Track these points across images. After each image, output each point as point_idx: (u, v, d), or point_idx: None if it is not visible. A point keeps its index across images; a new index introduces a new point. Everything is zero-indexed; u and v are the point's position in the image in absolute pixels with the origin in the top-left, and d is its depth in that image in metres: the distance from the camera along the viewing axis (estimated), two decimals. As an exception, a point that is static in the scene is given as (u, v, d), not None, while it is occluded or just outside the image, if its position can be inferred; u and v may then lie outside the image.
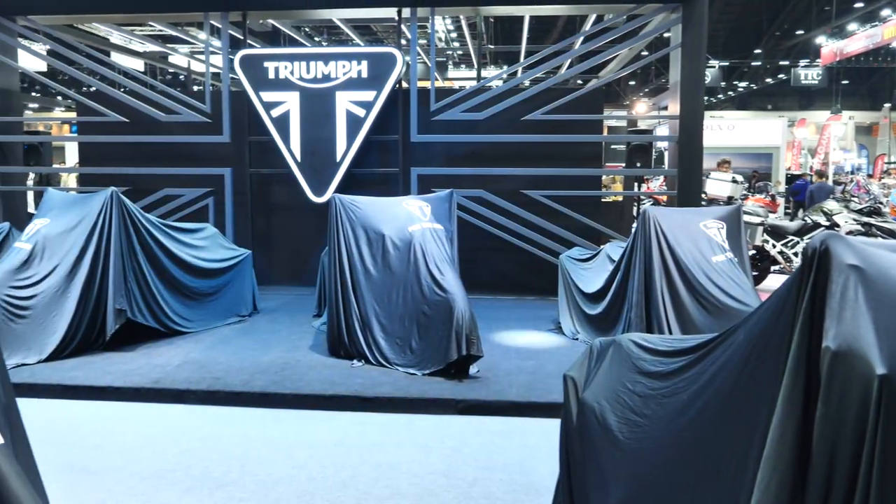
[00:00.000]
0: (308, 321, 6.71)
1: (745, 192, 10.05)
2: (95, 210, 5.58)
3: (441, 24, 16.36)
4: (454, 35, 24.05)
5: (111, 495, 3.40)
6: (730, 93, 38.84)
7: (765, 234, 8.82)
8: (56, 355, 5.31)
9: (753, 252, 8.25)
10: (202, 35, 10.50)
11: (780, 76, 32.57)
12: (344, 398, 4.65)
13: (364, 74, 7.82)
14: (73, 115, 14.21)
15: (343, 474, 3.64)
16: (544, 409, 4.45)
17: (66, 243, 5.53)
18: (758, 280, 8.02)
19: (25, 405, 2.27)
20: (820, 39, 25.09)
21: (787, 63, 31.61)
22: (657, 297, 5.16)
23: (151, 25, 12.34)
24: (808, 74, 24.61)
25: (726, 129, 23.41)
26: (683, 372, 2.28)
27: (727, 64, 32.53)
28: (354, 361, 5.32)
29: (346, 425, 4.36)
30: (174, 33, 12.00)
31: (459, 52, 27.83)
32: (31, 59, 11.06)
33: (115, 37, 13.25)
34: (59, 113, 31.94)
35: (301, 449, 3.97)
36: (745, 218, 6.31)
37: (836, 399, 1.56)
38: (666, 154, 9.70)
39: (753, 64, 34.52)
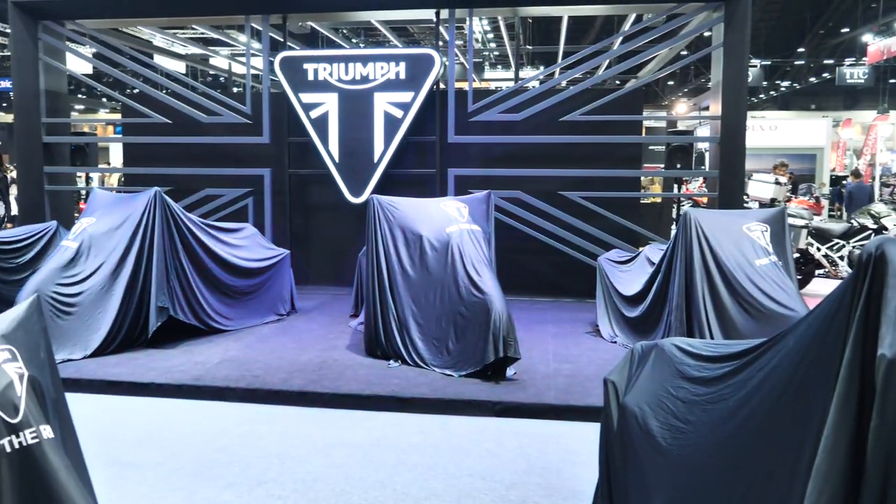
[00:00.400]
0: (345, 321, 6.76)
1: (788, 194, 9.82)
2: (140, 209, 5.69)
3: (478, 25, 16.33)
4: (490, 36, 24.03)
5: (153, 490, 3.46)
6: (772, 92, 38.05)
7: (809, 237, 8.62)
8: (100, 351, 5.44)
9: (797, 255, 8.06)
10: (243, 38, 10.66)
11: (825, 75, 31.80)
12: (381, 398, 4.66)
13: (402, 76, 7.85)
14: (117, 116, 14.55)
15: (380, 474, 3.65)
16: (583, 412, 4.41)
17: (111, 242, 5.65)
18: (801, 284, 7.84)
19: (71, 400, 2.32)
20: (866, 37, 24.40)
21: (831, 62, 30.87)
22: (698, 301, 5.06)
23: (193, 28, 12.57)
24: (854, 73, 23.98)
25: (768, 130, 22.89)
26: (729, 378, 2.23)
27: (769, 63, 31.90)
28: (391, 362, 5.33)
29: (383, 425, 4.37)
30: (216, 36, 12.20)
31: (496, 53, 27.80)
32: (78, 62, 11.35)
33: (158, 39, 13.51)
34: (103, 115, 32.73)
35: (338, 448, 3.99)
36: (789, 220, 6.16)
37: (891, 408, 1.51)
38: (706, 155, 9.56)
39: (796, 63, 33.78)
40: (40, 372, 2.13)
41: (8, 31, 7.53)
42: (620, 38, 8.85)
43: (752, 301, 4.94)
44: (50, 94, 8.34)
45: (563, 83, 9.28)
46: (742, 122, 7.57)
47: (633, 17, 8.87)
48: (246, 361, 5.39)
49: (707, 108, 9.55)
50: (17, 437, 1.90)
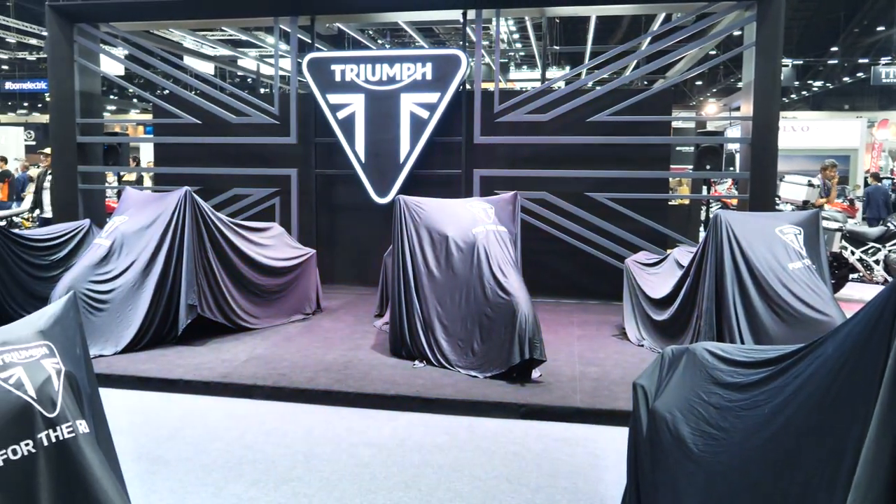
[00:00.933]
0: (370, 321, 6.78)
1: (821, 197, 9.65)
2: (170, 208, 5.77)
3: (504, 26, 16.31)
4: (516, 36, 23.97)
5: (182, 485, 3.49)
6: (804, 92, 37.47)
7: (843, 241, 8.47)
8: (131, 347, 5.52)
9: (830, 259, 7.91)
10: (271, 39, 10.75)
11: (859, 75, 31.25)
12: (406, 398, 4.66)
13: (428, 76, 7.85)
14: (148, 117, 14.74)
15: (405, 475, 3.65)
16: (610, 416, 4.38)
17: (143, 240, 5.73)
18: (835, 288, 7.69)
19: (102, 395, 2.36)
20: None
21: (866, 61, 30.32)
22: (729, 305, 4.99)
23: (223, 30, 12.71)
24: (890, 72, 23.55)
25: (800, 131, 22.53)
26: (764, 384, 2.19)
27: (801, 62, 31.42)
28: (416, 362, 5.33)
29: (408, 425, 4.37)
30: (245, 38, 12.31)
31: (521, 54, 27.72)
32: (111, 64, 11.54)
33: (188, 41, 13.69)
34: (134, 115, 33.25)
35: (364, 447, 4.00)
36: (822, 223, 6.05)
37: (936, 419, 1.47)
38: (737, 156, 9.44)
39: (830, 62, 33.23)
40: (76, 367, 2.17)
41: (43, 34, 7.70)
42: (649, 38, 8.77)
43: (784, 306, 4.85)
44: (84, 94, 8.48)
45: (590, 84, 9.20)
46: (774, 122, 7.46)
47: (662, 16, 8.76)
48: (272, 360, 5.43)
49: (738, 109, 9.41)
50: (55, 430, 1.94)
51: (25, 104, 39.27)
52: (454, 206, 5.63)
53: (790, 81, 26.20)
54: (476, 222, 5.44)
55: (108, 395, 2.37)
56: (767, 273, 4.97)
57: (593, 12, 8.93)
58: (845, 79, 32.93)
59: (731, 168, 12.28)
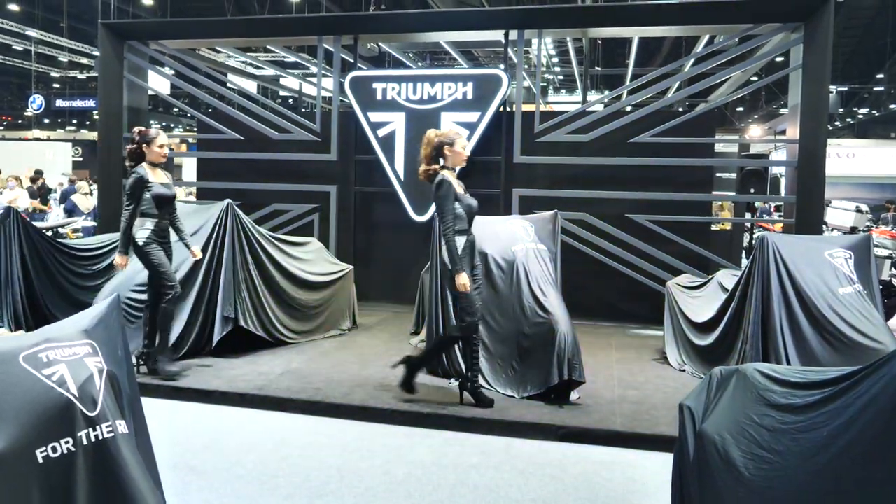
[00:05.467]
0: (406, 338, 6.74)
1: (869, 223, 9.39)
2: (212, 220, 5.83)
3: (543, 49, 16.32)
4: (556, 60, 24.01)
5: (217, 496, 3.47)
6: (848, 120, 36.81)
7: (893, 269, 8.20)
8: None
9: (880, 287, 7.66)
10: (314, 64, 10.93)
11: (907, 102, 30.63)
12: (441, 417, 4.60)
13: (469, 96, 7.87)
14: (191, 134, 15.01)
15: (440, 494, 3.58)
16: (651, 441, 4.25)
17: (184, 251, 5.78)
18: (885, 318, 7.43)
19: (140, 403, 2.35)
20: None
21: (914, 88, 29.70)
22: (776, 330, 4.83)
23: (268, 50, 12.96)
24: (939, 101, 22.98)
25: (845, 158, 22.07)
26: (822, 405, 2.09)
27: (846, 88, 30.89)
28: (451, 381, 5.27)
29: (443, 444, 4.30)
30: (289, 58, 12.53)
31: (560, 78, 27.74)
32: (159, 81, 11.81)
33: (233, 60, 13.98)
34: (178, 132, 34.05)
35: (398, 465, 3.94)
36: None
37: None
38: (782, 181, 9.26)
39: (875, 89, 32.62)
40: (118, 368, 2.17)
41: (94, 53, 7.94)
42: (692, 61, 8.69)
43: (834, 332, 4.68)
44: (132, 110, 8.68)
45: (628, 108, 9.13)
46: (822, 146, 7.28)
47: (705, 38, 8.68)
48: (308, 374, 5.42)
49: (783, 133, 9.23)
50: (94, 430, 1.93)
51: (74, 121, 40.57)
52: (494, 224, 5.58)
53: (835, 108, 25.75)
54: (516, 240, 5.38)
55: (143, 404, 2.36)
56: (816, 297, 4.81)
57: (635, 33, 8.91)
58: (892, 106, 32.24)
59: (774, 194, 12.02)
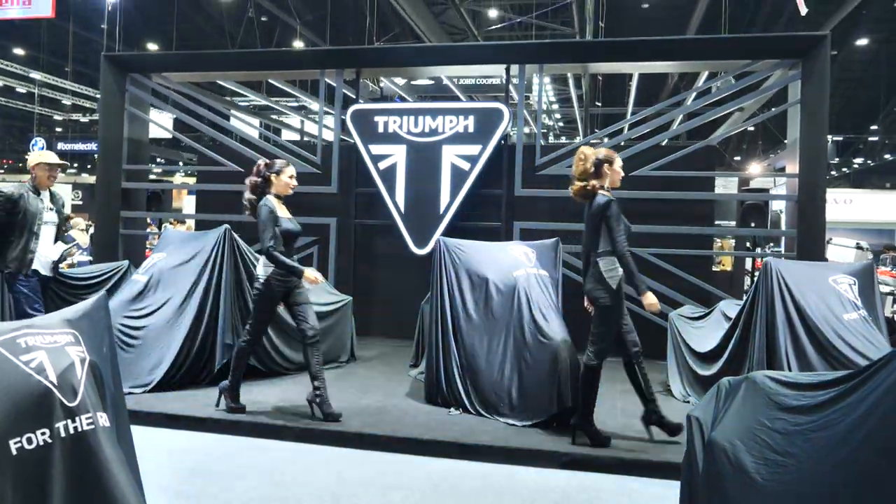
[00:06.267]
0: (405, 370, 6.61)
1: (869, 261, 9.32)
2: (210, 245, 5.76)
3: (544, 96, 16.52)
4: (556, 106, 24.29)
5: (205, 519, 3.33)
6: (844, 169, 37.11)
7: (895, 305, 8.11)
8: (161, 386, 5.41)
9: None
10: (316, 103, 11.01)
11: (901, 152, 30.94)
12: (441, 444, 4.46)
13: (470, 129, 7.89)
14: (192, 180, 15.04)
15: (439, 518, 3.44)
16: (657, 468, 4.12)
17: (180, 277, 5.71)
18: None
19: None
20: (942, 115, 23.66)
21: (907, 139, 30.03)
22: (781, 358, 4.72)
23: (271, 83, 13.01)
24: (933, 151, 23.21)
25: (843, 203, 22.16)
26: (836, 402, 2.00)
27: (841, 139, 31.18)
28: (451, 409, 5.14)
29: (443, 471, 4.16)
30: (291, 94, 12.60)
31: (561, 124, 28.04)
32: (162, 117, 11.91)
33: (237, 99, 14.12)
34: (177, 174, 34.18)
35: (395, 491, 3.80)
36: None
37: None
38: (782, 217, 9.24)
39: (870, 139, 32.97)
40: (102, 364, 2.07)
41: (95, 95, 8.02)
42: (693, 95, 8.76)
43: (840, 357, 4.57)
44: (132, 142, 8.71)
45: (632, 138, 9.17)
46: (822, 180, 7.29)
47: (704, 76, 8.76)
48: (304, 403, 5.27)
49: (782, 169, 9.23)
50: (74, 421, 1.83)
51: (75, 165, 40.77)
52: (495, 249, 5.53)
53: (831, 157, 25.91)
54: (517, 265, 5.31)
55: (133, 432, 2.26)
56: (822, 323, 4.72)
57: (635, 69, 8.99)
58: (886, 156, 32.54)
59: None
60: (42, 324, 1.96)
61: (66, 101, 26.10)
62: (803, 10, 11.54)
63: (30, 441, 1.77)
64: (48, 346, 1.88)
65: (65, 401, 1.84)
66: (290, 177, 4.87)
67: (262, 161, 4.93)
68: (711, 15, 15.89)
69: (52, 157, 5.53)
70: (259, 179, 4.83)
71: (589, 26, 14.64)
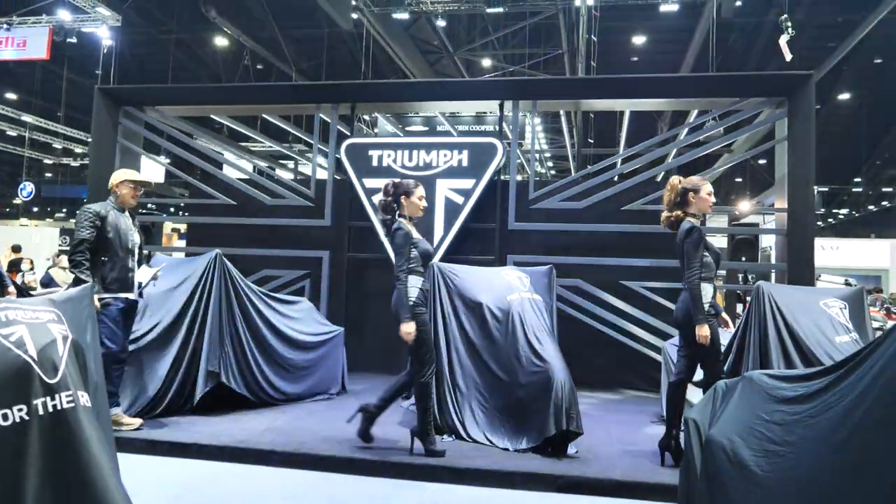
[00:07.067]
0: (397, 401, 6.48)
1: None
2: (199, 271, 5.70)
3: (537, 143, 16.75)
4: (548, 155, 24.58)
5: (187, 536, 3.21)
6: (830, 220, 37.54)
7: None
8: (145, 413, 5.28)
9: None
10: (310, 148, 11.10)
11: (884, 203, 31.33)
12: (434, 468, 4.36)
13: (464, 163, 7.95)
14: (183, 221, 15.03)
15: (430, 537, 3.33)
16: (653, 490, 4.03)
17: (169, 302, 5.63)
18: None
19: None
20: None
21: (890, 190, 30.45)
22: (776, 380, 4.67)
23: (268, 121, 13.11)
24: (913, 201, 23.56)
25: (829, 249, 22.44)
26: (833, 387, 1.97)
27: (826, 189, 31.59)
28: (444, 437, 5.04)
29: (436, 494, 4.06)
30: (283, 125, 12.56)
31: (553, 172, 28.32)
32: (153, 164, 11.91)
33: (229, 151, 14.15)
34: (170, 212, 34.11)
35: (385, 511, 3.69)
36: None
37: None
38: (772, 253, 9.28)
39: (854, 191, 33.46)
40: (85, 349, 2.02)
41: (87, 139, 8.04)
42: (685, 130, 8.89)
43: (837, 380, 4.53)
44: (125, 176, 8.69)
45: (616, 178, 9.27)
46: (811, 214, 7.36)
47: (694, 114, 8.88)
48: (292, 431, 5.17)
49: (772, 205, 9.30)
50: (53, 398, 1.78)
51: (64, 210, 40.65)
52: (489, 274, 5.51)
53: (817, 208, 26.24)
54: (511, 289, 5.28)
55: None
56: (815, 346, 4.68)
57: (626, 107, 9.13)
58: (870, 206, 32.95)
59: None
60: (25, 301, 1.92)
61: (57, 145, 26.18)
62: (788, 56, 11.84)
63: (5, 417, 1.72)
64: (29, 321, 1.84)
65: (44, 377, 1.78)
66: (420, 198, 4.70)
67: (390, 181, 4.77)
68: (699, 68, 16.27)
69: (137, 175, 5.30)
70: (390, 199, 4.67)
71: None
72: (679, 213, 4.53)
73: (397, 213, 4.65)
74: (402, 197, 4.65)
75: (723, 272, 11.19)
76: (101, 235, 4.94)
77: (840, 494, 1.75)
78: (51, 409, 1.78)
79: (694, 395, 5.15)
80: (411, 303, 4.47)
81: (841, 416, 1.82)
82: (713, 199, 4.59)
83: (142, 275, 5.18)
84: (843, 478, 1.74)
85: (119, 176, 5.24)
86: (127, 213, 5.20)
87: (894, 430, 1.57)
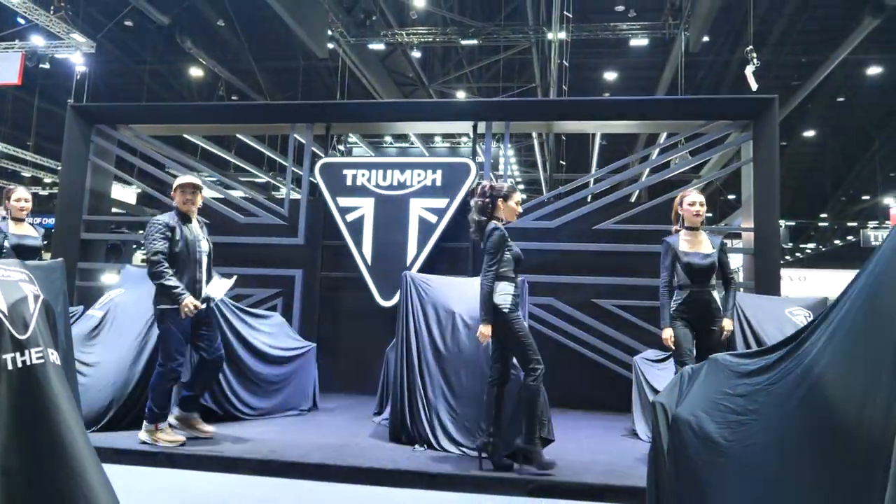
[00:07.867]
0: (369, 417, 6.45)
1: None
2: (170, 282, 5.63)
3: (510, 169, 16.96)
4: (519, 177, 24.85)
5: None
6: (797, 254, 38.32)
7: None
8: (110, 426, 5.17)
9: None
10: (284, 159, 11.13)
11: (850, 238, 32.08)
12: (406, 473, 4.34)
13: (438, 183, 8.04)
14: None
15: (401, 535, 3.30)
16: (624, 492, 4.05)
17: (137, 313, 5.57)
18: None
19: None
20: (888, 201, 24.83)
21: (855, 224, 31.21)
22: (744, 387, 4.75)
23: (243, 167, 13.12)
24: (879, 236, 24.19)
25: (797, 280, 22.88)
26: (791, 354, 2.03)
27: (793, 224, 32.31)
28: (416, 446, 5.02)
29: (409, 501, 4.02)
30: (256, 146, 12.40)
31: (524, 197, 28.50)
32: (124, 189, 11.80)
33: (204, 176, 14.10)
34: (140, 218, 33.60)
35: (356, 513, 3.66)
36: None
37: None
38: (741, 272, 9.44)
39: (820, 225, 34.24)
40: (56, 314, 2.02)
41: (57, 168, 7.96)
42: (657, 150, 9.11)
43: (803, 386, 4.62)
44: (94, 193, 8.64)
45: (588, 199, 9.44)
46: (776, 233, 7.54)
47: (664, 136, 9.10)
48: (263, 440, 5.11)
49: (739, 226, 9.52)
50: (22, 354, 1.77)
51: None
52: (462, 284, 5.54)
53: (784, 242, 26.78)
54: (482, 299, 5.31)
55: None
56: (783, 354, 4.78)
57: (597, 129, 9.34)
58: (836, 241, 33.75)
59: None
60: (-3, 262, 1.91)
61: (26, 174, 25.80)
62: (754, 86, 12.23)
63: (-27, 372, 1.70)
64: (0, 278, 1.83)
65: (14, 332, 1.78)
66: (517, 203, 4.62)
67: (487, 182, 4.71)
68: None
69: (185, 178, 4.99)
70: (487, 200, 4.58)
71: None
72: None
73: (495, 215, 4.60)
74: (500, 200, 4.59)
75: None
76: (169, 248, 4.75)
77: (800, 451, 1.79)
78: (20, 365, 1.77)
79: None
80: (506, 310, 4.40)
81: (799, 376, 1.87)
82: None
83: (213, 289, 4.93)
84: (803, 434, 1.79)
85: (174, 184, 5.01)
86: (195, 221, 4.99)
87: (852, 372, 1.63)
